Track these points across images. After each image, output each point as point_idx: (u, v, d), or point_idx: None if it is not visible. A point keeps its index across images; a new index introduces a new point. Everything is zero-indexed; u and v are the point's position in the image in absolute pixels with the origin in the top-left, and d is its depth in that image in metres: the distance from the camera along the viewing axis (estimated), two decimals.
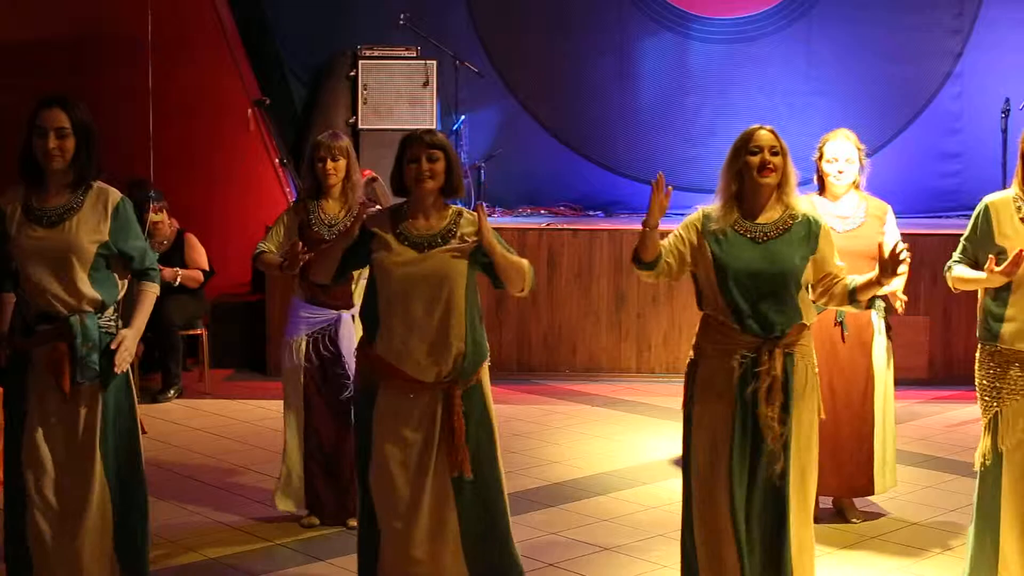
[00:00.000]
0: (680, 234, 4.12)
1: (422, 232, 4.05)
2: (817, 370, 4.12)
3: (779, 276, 3.99)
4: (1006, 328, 4.25)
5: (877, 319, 5.39)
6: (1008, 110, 9.35)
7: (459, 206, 4.17)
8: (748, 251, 4.00)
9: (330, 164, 5.36)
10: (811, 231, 4.05)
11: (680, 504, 4.18)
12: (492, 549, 4.09)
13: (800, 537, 4.05)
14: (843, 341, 5.35)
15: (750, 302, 3.98)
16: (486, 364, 4.12)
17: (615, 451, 6.85)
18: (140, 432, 4.30)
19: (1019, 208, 4.25)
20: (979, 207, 4.34)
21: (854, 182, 5.38)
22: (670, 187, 4.00)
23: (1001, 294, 4.28)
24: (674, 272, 4.10)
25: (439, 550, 4.03)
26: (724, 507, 3.98)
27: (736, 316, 3.99)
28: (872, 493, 5.49)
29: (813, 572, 4.13)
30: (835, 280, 4.08)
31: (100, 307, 4.12)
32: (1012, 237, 4.22)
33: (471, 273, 4.05)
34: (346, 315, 5.38)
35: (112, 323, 4.16)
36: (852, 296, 4.05)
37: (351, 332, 5.34)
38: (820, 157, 5.39)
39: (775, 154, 4.03)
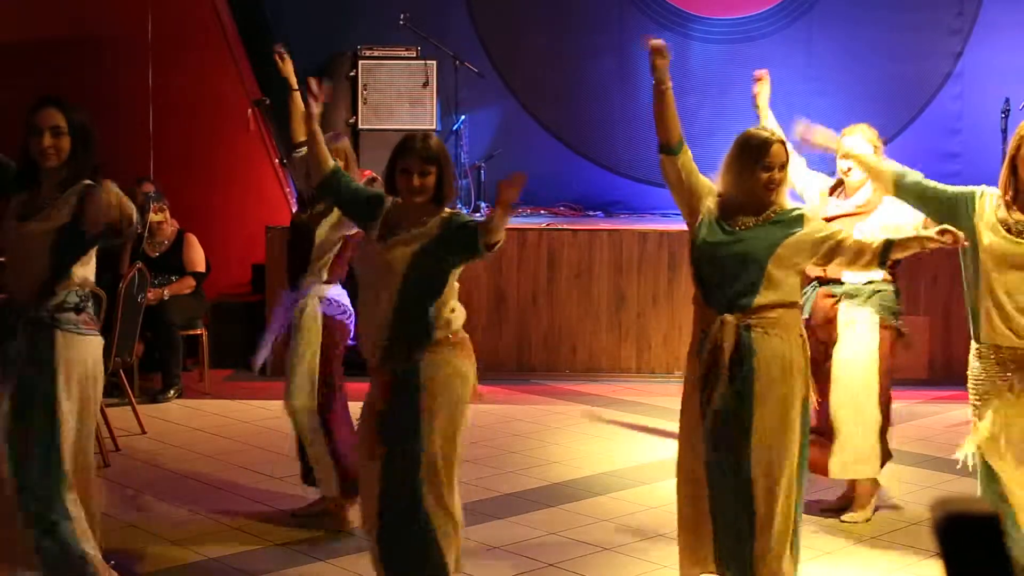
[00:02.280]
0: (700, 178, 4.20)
1: (399, 229, 4.07)
2: (808, 352, 4.12)
3: (744, 253, 3.99)
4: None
5: (845, 309, 5.38)
6: (1008, 110, 9.35)
7: (451, 209, 4.14)
8: (720, 231, 4.05)
9: None
10: (790, 217, 4.07)
11: None
12: (403, 533, 4.04)
13: (779, 537, 4.03)
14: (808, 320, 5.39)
15: (714, 277, 4.04)
16: (437, 351, 4.02)
17: (615, 451, 6.84)
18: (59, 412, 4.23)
19: (998, 207, 4.26)
20: (976, 188, 4.32)
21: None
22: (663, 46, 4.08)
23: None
24: (689, 179, 4.15)
25: (377, 523, 4.06)
26: (701, 490, 4.08)
27: (703, 287, 4.08)
28: (826, 475, 5.46)
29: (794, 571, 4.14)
30: (843, 240, 4.05)
31: (49, 288, 4.15)
32: (980, 228, 4.23)
33: (412, 267, 3.97)
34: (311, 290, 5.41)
35: (71, 303, 4.18)
36: (884, 254, 4.04)
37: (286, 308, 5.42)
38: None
39: (782, 169, 4.06)
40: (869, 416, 5.41)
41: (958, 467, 4.41)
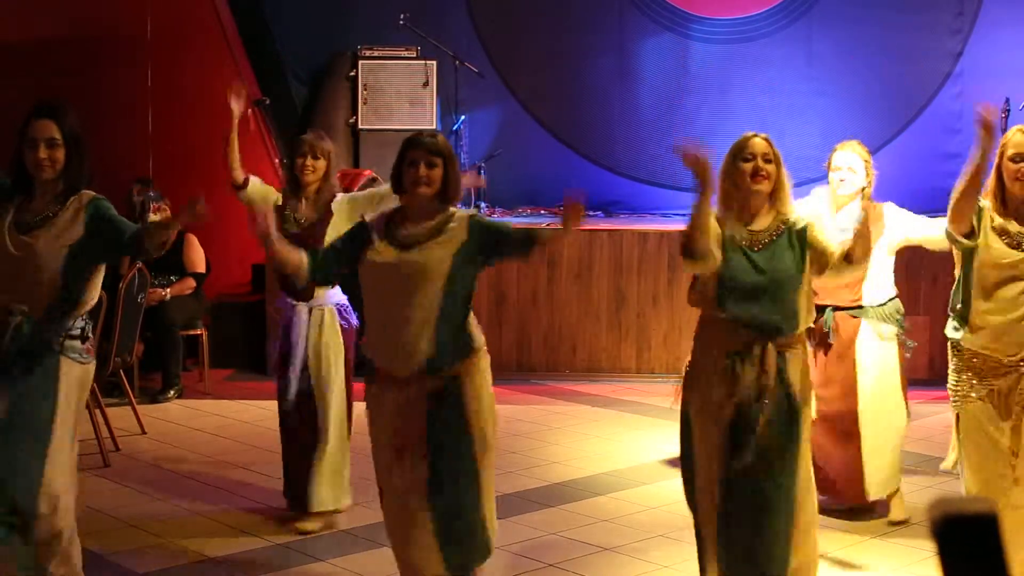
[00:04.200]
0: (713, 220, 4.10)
1: (410, 233, 4.05)
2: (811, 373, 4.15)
3: (772, 283, 3.99)
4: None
5: (868, 326, 5.40)
6: (1008, 110, 9.34)
7: (455, 208, 4.15)
8: (742, 260, 4.01)
9: (309, 161, 5.41)
10: (798, 231, 4.05)
11: (679, 505, 4.19)
12: (462, 539, 4.07)
13: (807, 543, 4.05)
14: (829, 344, 5.39)
15: (744, 303, 3.99)
16: (475, 360, 4.08)
17: (615, 451, 6.85)
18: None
19: (992, 219, 4.29)
20: (983, 202, 4.36)
21: (860, 192, 5.40)
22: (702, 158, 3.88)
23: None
24: (715, 260, 4.00)
25: (415, 536, 4.04)
26: (713, 500, 4.05)
27: (729, 313, 4.01)
28: (864, 501, 5.48)
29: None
30: (831, 255, 4.05)
31: (61, 310, 4.10)
32: (987, 233, 4.27)
33: (455, 271, 4.00)
34: (302, 307, 5.39)
35: (78, 329, 4.16)
36: (848, 259, 4.01)
37: (301, 322, 5.34)
38: (830, 166, 5.47)
39: (768, 161, 4.04)
40: (898, 429, 5.47)
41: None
